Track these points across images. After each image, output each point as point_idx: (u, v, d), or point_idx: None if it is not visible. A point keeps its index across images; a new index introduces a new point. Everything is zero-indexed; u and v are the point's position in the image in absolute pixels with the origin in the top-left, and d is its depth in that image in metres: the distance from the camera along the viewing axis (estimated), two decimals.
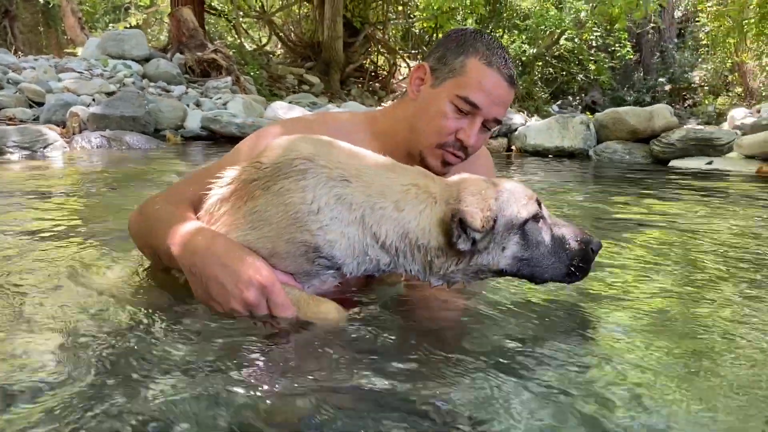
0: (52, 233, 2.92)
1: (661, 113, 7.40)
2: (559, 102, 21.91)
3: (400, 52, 19.98)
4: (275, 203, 1.73)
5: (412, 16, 20.16)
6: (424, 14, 19.28)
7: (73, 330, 1.68)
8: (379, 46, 19.67)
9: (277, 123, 2.51)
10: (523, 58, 19.32)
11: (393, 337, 1.74)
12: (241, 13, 18.61)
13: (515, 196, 1.75)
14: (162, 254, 1.88)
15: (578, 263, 1.79)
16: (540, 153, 8.30)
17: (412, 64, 19.83)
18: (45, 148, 7.29)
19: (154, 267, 2.16)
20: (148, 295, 2.00)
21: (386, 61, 20.01)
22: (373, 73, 19.70)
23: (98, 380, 1.39)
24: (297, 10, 19.60)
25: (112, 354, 1.53)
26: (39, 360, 1.50)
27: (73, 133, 8.35)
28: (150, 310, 1.82)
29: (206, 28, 17.73)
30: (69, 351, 1.55)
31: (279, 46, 20.75)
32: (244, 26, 19.66)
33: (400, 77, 20.26)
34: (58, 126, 8.57)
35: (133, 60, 13.90)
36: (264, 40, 20.68)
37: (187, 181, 2.16)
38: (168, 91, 12.54)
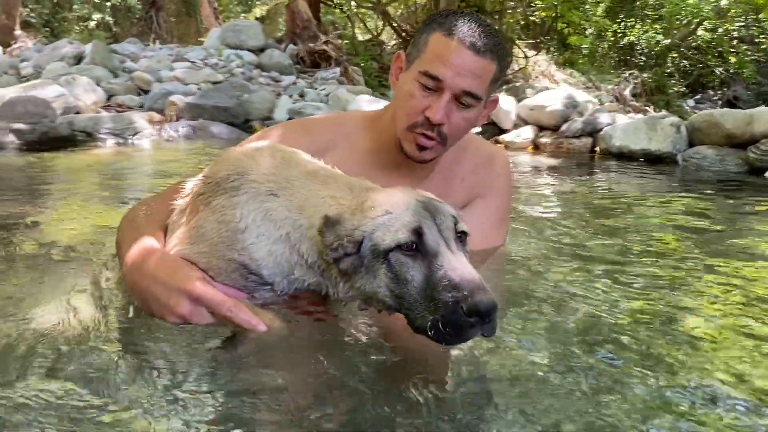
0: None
1: (763, 117, 6.58)
2: (697, 97, 20.38)
3: (518, 42, 19.37)
4: (211, 220, 1.76)
5: (532, 5, 19.45)
6: (544, 3, 18.54)
7: None
8: None
9: (281, 125, 2.56)
10: (656, 49, 18.09)
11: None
12: (354, 3, 18.83)
13: (391, 220, 1.53)
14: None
15: (442, 321, 1.40)
16: (625, 156, 7.69)
17: (530, 54, 19.20)
18: (134, 135, 7.79)
19: None
20: None
21: None
22: None
23: None
24: (412, 0, 19.52)
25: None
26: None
27: (170, 121, 8.86)
28: None
29: (321, 19, 18.09)
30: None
31: (394, 36, 20.80)
32: (360, 17, 19.89)
33: (516, 68, 19.66)
34: (158, 113, 9.12)
35: (248, 50, 14.41)
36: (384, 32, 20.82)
37: (176, 186, 2.19)
38: (277, 81, 12.92)
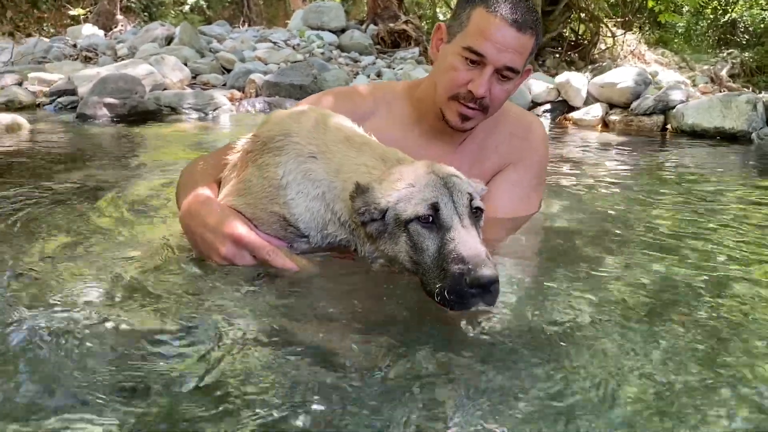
0: None
1: None
2: None
3: (605, 20, 18.76)
4: (257, 176, 2.00)
5: None
6: None
7: None
8: (582, 14, 18.62)
9: (329, 92, 2.76)
10: (760, 27, 17.09)
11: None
12: None
13: (412, 194, 1.74)
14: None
15: (447, 289, 1.57)
16: (698, 134, 7.41)
17: (618, 33, 18.55)
18: (215, 110, 8.24)
19: None
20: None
21: (588, 29, 18.91)
22: (572, 43, 18.74)
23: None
24: None
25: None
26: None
27: (249, 97, 9.29)
28: None
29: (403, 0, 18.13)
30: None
31: None
32: None
33: (604, 47, 19.06)
34: (239, 91, 9.58)
35: (330, 31, 14.69)
36: None
37: (230, 144, 2.42)
38: (356, 62, 13.16)
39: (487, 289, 1.53)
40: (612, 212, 3.19)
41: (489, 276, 1.51)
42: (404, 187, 1.74)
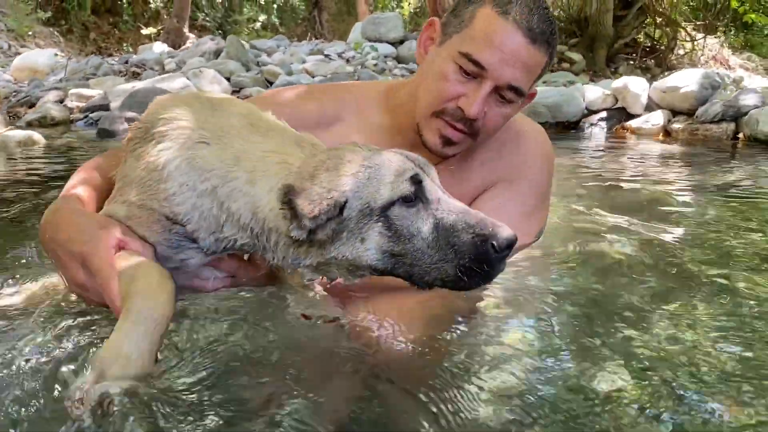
0: None
1: None
2: None
3: (684, 24, 17.67)
4: (135, 167, 1.61)
5: None
6: None
7: None
8: (657, 18, 17.62)
9: (290, 88, 2.41)
10: None
11: None
12: None
13: (381, 171, 1.40)
14: None
15: (470, 264, 1.38)
16: None
17: (698, 37, 17.43)
18: None
19: None
20: None
21: (664, 34, 17.86)
22: (647, 48, 17.76)
23: None
24: None
25: None
26: None
27: None
28: None
29: None
30: None
31: None
32: None
33: (682, 52, 17.96)
34: None
35: (388, 42, 14.44)
36: None
37: None
38: (412, 72, 12.83)
39: (511, 248, 1.40)
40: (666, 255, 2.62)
41: (511, 233, 1.39)
42: (358, 171, 1.39)
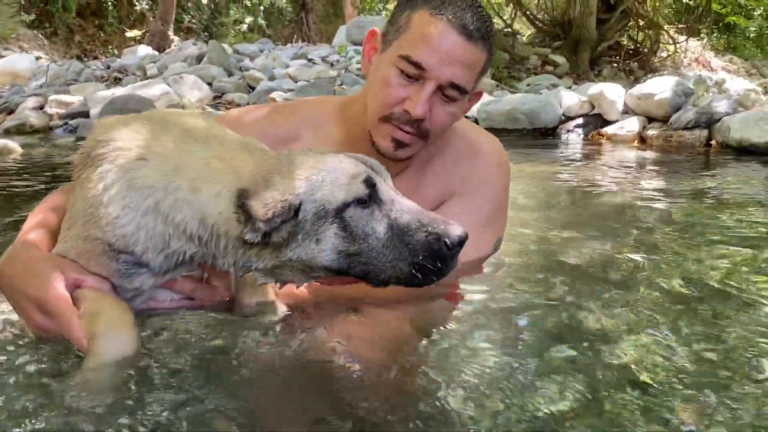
0: None
1: None
2: None
3: (666, 26, 17.80)
4: (80, 197, 1.60)
5: None
6: None
7: None
8: (640, 21, 17.74)
9: (241, 109, 2.47)
10: None
11: None
12: None
13: (334, 175, 1.45)
14: None
15: (424, 261, 1.44)
16: (747, 150, 6.61)
17: (681, 39, 17.57)
18: None
19: None
20: None
21: (647, 37, 18.00)
22: (630, 51, 17.89)
23: None
24: None
25: None
26: None
27: None
28: None
29: None
30: None
31: (529, 26, 19.97)
32: (494, 7, 19.27)
33: (665, 54, 18.10)
34: None
35: None
36: (517, 22, 20.06)
37: None
38: None
39: (461, 246, 1.46)
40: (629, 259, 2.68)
41: (462, 231, 1.45)
42: (311, 174, 1.44)
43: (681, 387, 1.52)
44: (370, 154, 2.02)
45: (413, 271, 1.44)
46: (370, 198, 1.45)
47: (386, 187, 1.51)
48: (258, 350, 1.64)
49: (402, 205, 1.49)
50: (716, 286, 2.29)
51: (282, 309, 1.78)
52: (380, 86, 1.94)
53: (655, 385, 1.52)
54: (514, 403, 1.43)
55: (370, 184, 1.45)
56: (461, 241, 1.45)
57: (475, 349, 1.70)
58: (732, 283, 2.32)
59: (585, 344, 1.76)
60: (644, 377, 1.55)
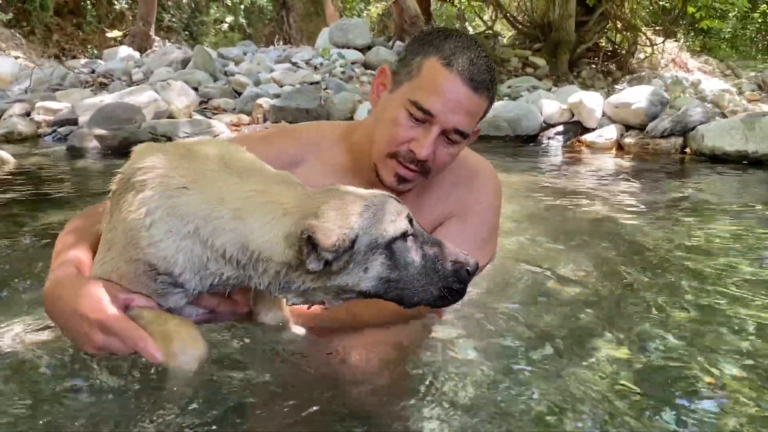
0: None
1: None
2: None
3: (643, 29, 18.12)
4: (119, 220, 1.69)
5: None
6: None
7: None
8: (618, 23, 18.03)
9: (250, 135, 2.53)
10: None
11: None
12: None
13: (383, 211, 1.63)
14: None
15: (452, 285, 1.68)
16: (719, 158, 6.89)
17: (658, 41, 17.89)
18: (215, 138, 8.12)
19: None
20: None
21: (625, 39, 18.30)
22: (608, 53, 18.17)
23: None
24: None
25: None
26: None
27: (256, 123, 9.18)
28: None
29: (432, 14, 17.93)
30: None
31: (509, 28, 20.19)
32: (475, 9, 19.48)
33: (642, 56, 18.41)
34: (248, 116, 9.48)
35: (355, 48, 14.51)
36: (498, 24, 20.27)
37: None
38: None
39: (476, 273, 1.73)
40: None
41: (476, 260, 1.72)
42: (363, 210, 1.61)
43: (659, 393, 1.75)
44: (373, 182, 2.23)
45: (442, 293, 1.66)
46: (409, 232, 1.64)
47: (417, 223, 1.71)
48: (273, 362, 1.88)
49: (427, 237, 1.71)
50: (691, 291, 2.51)
51: (294, 322, 1.97)
52: (389, 125, 2.10)
53: (636, 389, 1.76)
54: (502, 408, 1.67)
55: (410, 220, 1.65)
56: (476, 269, 1.70)
57: (463, 360, 1.96)
58: (706, 287, 2.54)
59: (567, 352, 2.00)
60: (625, 383, 1.78)
